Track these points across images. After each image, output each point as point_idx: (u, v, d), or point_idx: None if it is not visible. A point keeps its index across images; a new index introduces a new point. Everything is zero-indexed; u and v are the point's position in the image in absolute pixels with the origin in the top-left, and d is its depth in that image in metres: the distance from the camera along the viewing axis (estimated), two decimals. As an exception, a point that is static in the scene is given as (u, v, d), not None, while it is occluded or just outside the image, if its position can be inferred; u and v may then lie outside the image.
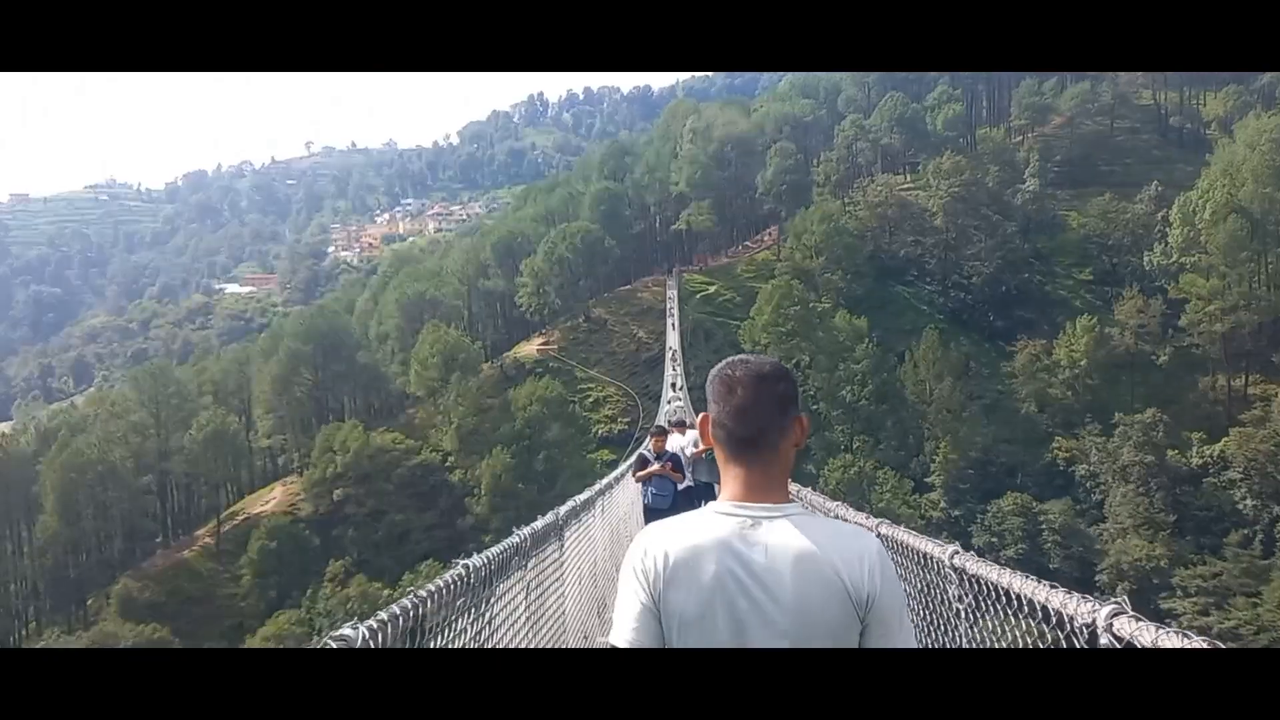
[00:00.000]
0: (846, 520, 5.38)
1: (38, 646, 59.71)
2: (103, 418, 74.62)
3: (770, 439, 2.27)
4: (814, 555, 2.11)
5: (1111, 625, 2.73)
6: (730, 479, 2.27)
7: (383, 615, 2.94)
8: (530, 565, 6.08)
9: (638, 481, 12.14)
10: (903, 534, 5.24)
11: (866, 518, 6.14)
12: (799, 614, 2.07)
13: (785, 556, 2.11)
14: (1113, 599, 2.86)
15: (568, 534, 8.43)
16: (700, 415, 2.42)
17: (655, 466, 11.68)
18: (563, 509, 8.25)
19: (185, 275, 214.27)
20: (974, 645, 4.35)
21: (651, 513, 11.80)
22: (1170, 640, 2.44)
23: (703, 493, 11.88)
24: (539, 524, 6.67)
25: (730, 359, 2.40)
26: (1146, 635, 2.55)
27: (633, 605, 2.18)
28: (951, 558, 4.41)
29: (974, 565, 4.15)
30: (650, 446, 12.38)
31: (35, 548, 69.52)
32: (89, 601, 67.46)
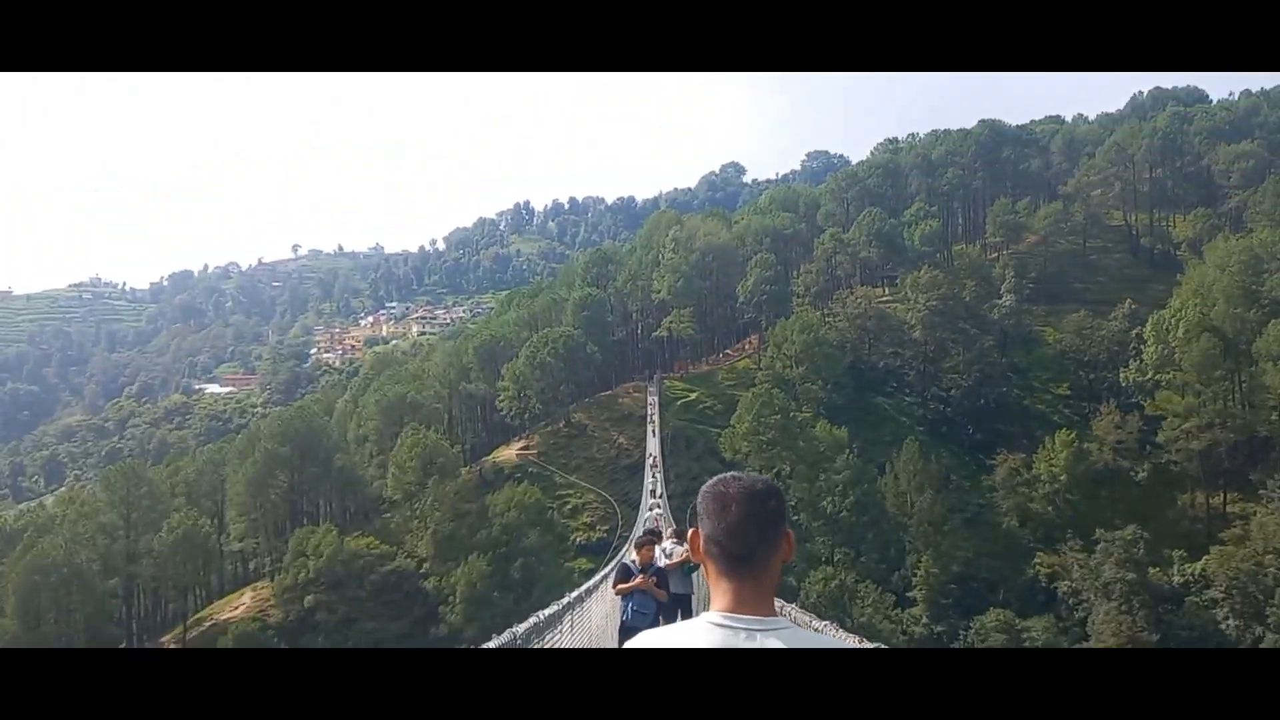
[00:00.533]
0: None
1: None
2: (71, 518, 73.22)
3: (762, 555, 2.40)
4: None
5: None
6: (721, 592, 2.37)
7: None
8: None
9: (617, 594, 11.22)
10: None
11: (858, 641, 6.09)
12: None
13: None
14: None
15: (559, 628, 9.11)
16: (690, 530, 2.51)
17: (638, 579, 10.83)
18: (520, 627, 7.90)
19: (165, 374, 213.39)
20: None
21: (628, 632, 10.64)
22: None
23: (677, 608, 11.39)
24: (529, 622, 6.96)
25: (722, 476, 2.51)
26: None
27: None
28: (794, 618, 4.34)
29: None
30: (635, 557, 11.65)
31: (-8, 652, 67.33)
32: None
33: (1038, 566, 72.32)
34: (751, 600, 2.37)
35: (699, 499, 2.52)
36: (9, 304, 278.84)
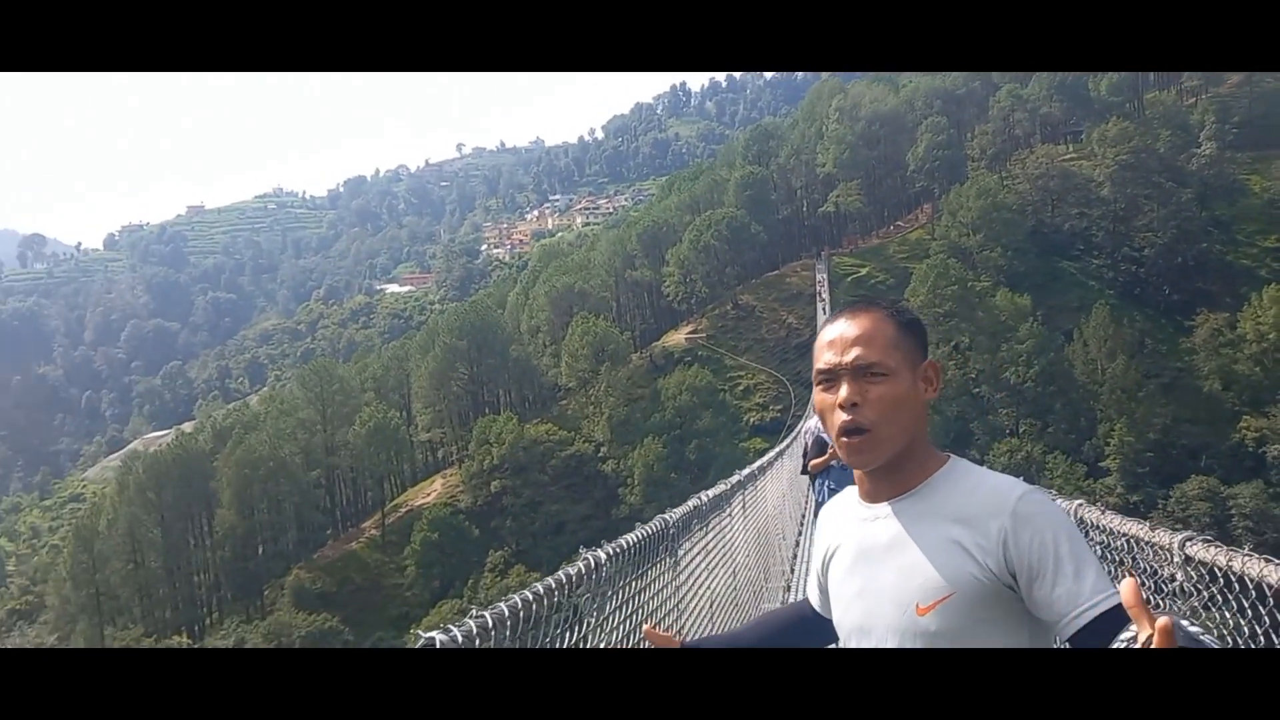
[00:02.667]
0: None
1: (219, 637, 62.94)
2: (273, 415, 78.02)
3: None
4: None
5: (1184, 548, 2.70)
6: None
7: (502, 607, 2.50)
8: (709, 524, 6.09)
9: (812, 474, 9.21)
10: (1109, 517, 4.39)
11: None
12: None
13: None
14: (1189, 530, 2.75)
15: (734, 504, 8.21)
16: (927, 362, 2.01)
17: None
18: (732, 478, 8.12)
19: (348, 277, 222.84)
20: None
21: None
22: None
23: None
24: (713, 491, 6.49)
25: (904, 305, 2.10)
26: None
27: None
28: (1182, 546, 3.48)
29: (1219, 555, 3.25)
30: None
31: (215, 540, 73.23)
32: (265, 592, 70.64)
33: (1244, 431, 67.73)
34: None
35: (919, 322, 2.04)
36: (202, 217, 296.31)
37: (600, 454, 76.43)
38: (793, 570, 12.90)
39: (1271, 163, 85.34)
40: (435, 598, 65.77)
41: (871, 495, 1.97)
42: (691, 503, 6.72)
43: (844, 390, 1.91)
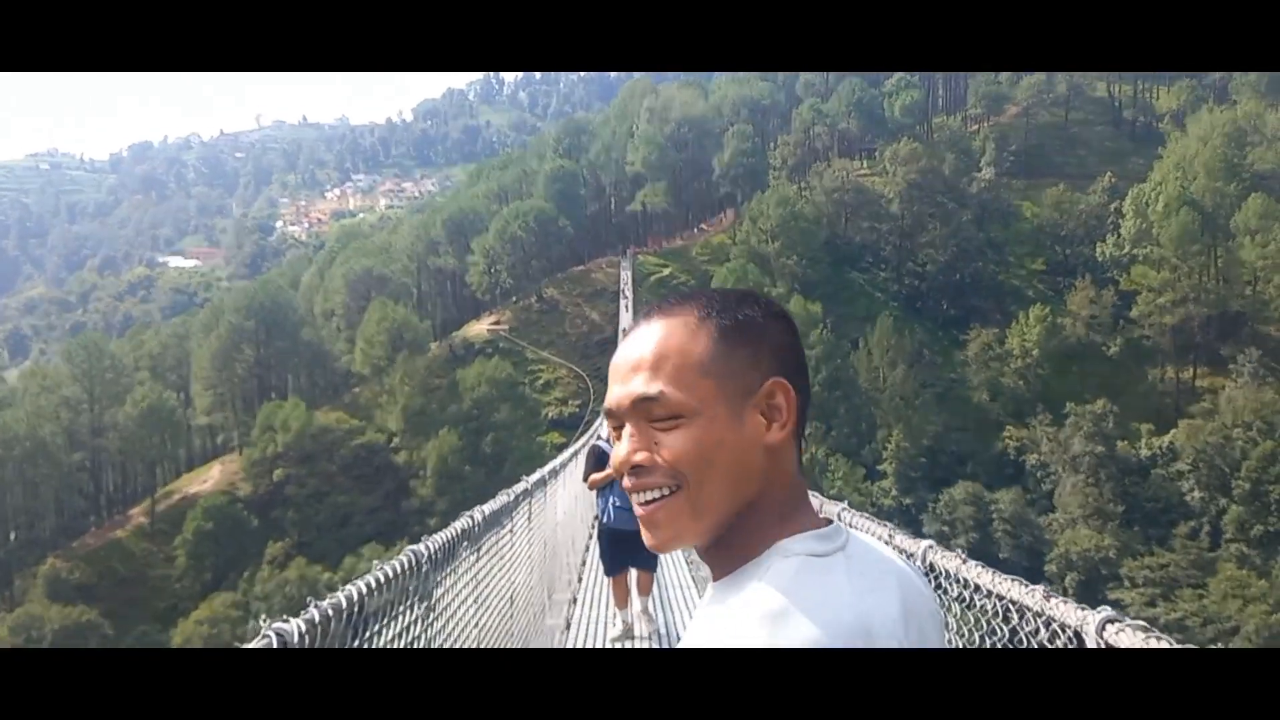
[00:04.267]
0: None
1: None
2: (33, 392, 71.78)
3: None
4: (920, 584, 1.36)
5: (1103, 633, 2.66)
6: (799, 494, 1.29)
7: (326, 605, 2.86)
8: (482, 548, 5.95)
9: (592, 489, 8.34)
10: (865, 520, 4.75)
11: (845, 508, 5.33)
12: None
13: (925, 607, 1.33)
14: (1103, 607, 2.80)
15: (517, 516, 7.87)
16: (780, 381, 1.26)
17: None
18: (517, 488, 7.84)
19: (128, 247, 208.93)
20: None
21: (612, 536, 8.47)
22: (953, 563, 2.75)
23: None
24: (489, 507, 6.36)
25: (752, 291, 1.36)
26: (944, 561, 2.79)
27: None
28: (924, 553, 4.02)
29: (955, 564, 3.76)
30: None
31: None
32: (16, 582, 64.91)
33: (1007, 440, 72.83)
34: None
35: (775, 325, 1.30)
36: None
37: (393, 444, 74.43)
38: (580, 580, 12.54)
39: (1043, 190, 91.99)
40: (207, 590, 62.32)
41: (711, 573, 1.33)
42: (487, 506, 6.58)
43: (624, 443, 1.26)
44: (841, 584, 1.20)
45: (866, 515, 4.57)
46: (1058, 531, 64.30)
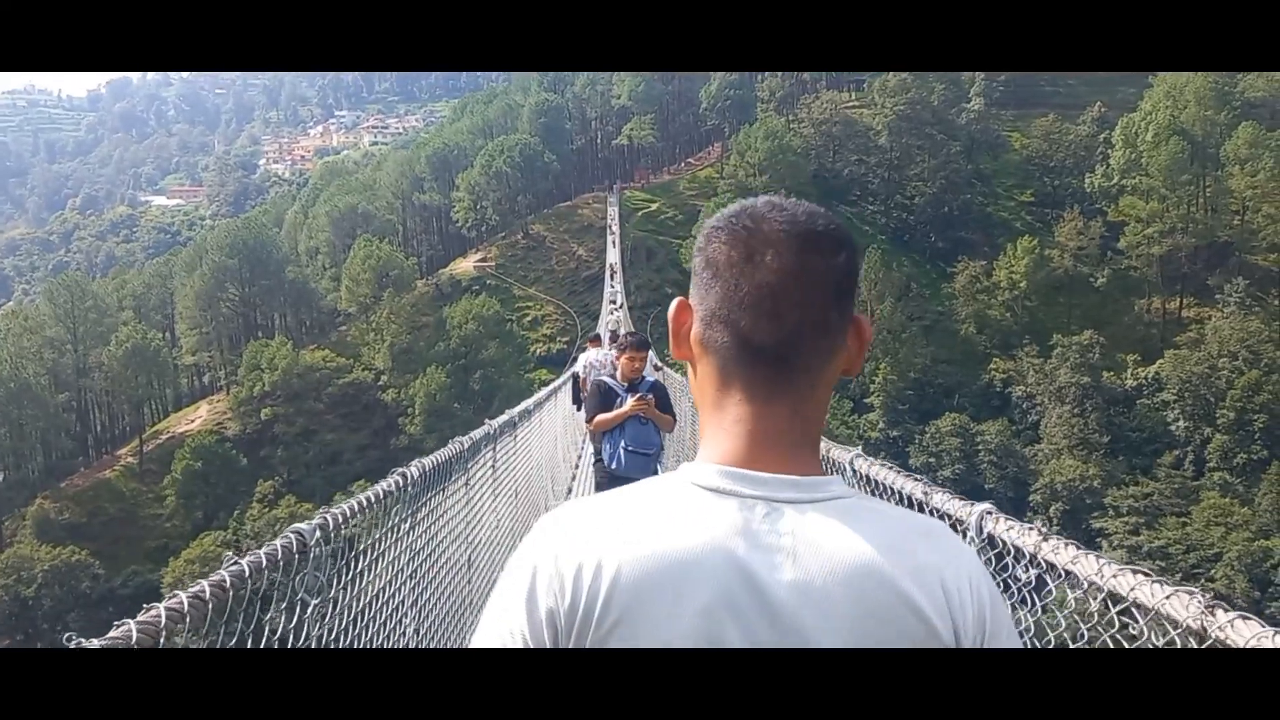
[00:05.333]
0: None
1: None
2: (15, 333, 71.12)
3: (814, 353, 1.24)
4: (880, 574, 1.15)
5: (982, 523, 3.11)
6: (728, 424, 1.24)
7: (329, 513, 3.20)
8: (470, 471, 6.28)
9: (599, 430, 7.03)
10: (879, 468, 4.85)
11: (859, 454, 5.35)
12: None
13: (831, 577, 1.15)
14: (988, 503, 3.20)
15: (500, 447, 8.10)
16: (676, 301, 1.30)
17: (629, 404, 6.78)
18: (500, 418, 8.23)
19: (109, 186, 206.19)
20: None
21: (618, 483, 5.08)
22: (1029, 538, 2.83)
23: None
24: (476, 433, 6.69)
25: (750, 201, 1.28)
26: (1012, 534, 2.93)
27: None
28: (852, 460, 4.77)
29: (871, 468, 4.48)
30: (616, 365, 7.75)
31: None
32: (4, 522, 64.96)
33: (993, 372, 73.08)
34: (787, 441, 1.23)
35: (699, 239, 1.29)
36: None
37: (380, 382, 74.26)
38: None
39: (1031, 121, 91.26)
40: (197, 529, 62.49)
41: None
42: (478, 432, 7.09)
43: None
44: (619, 512, 1.19)
45: (890, 466, 4.39)
46: (1043, 462, 64.83)
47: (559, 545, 1.18)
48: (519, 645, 1.16)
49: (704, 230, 1.29)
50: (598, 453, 7.17)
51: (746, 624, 1.13)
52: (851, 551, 1.16)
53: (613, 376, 7.34)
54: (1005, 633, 1.23)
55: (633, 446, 6.77)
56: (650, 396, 6.77)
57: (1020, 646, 1.32)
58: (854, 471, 4.69)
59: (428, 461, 5.23)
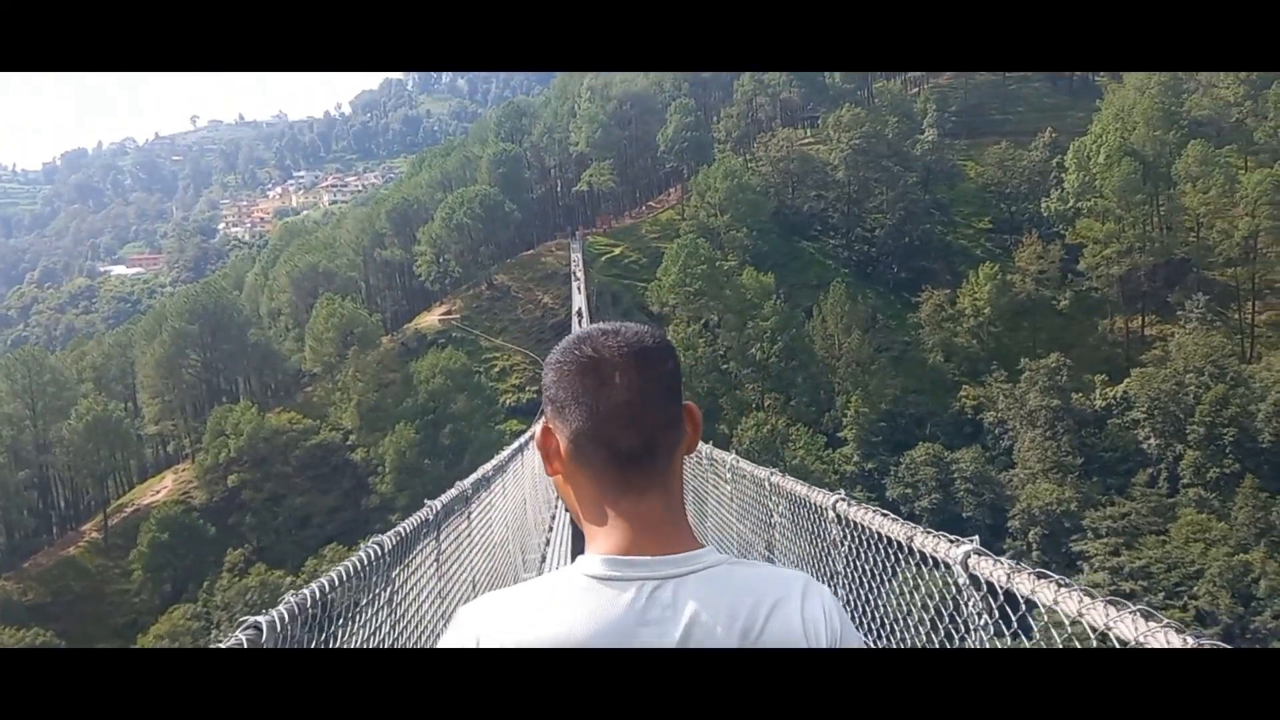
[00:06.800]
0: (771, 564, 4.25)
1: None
2: (-29, 411, 69.65)
3: (669, 447, 1.52)
4: (748, 620, 1.43)
5: (967, 562, 3.11)
6: (611, 520, 1.48)
7: (291, 601, 3.03)
8: (442, 536, 6.09)
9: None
10: (792, 484, 5.35)
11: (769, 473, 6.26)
12: None
13: (708, 630, 1.41)
14: (970, 539, 3.21)
15: (474, 507, 8.06)
16: (539, 427, 1.57)
17: None
18: (469, 479, 8.07)
19: (67, 258, 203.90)
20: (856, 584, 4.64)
21: None
22: (1021, 578, 2.77)
23: None
24: (447, 496, 6.59)
25: (584, 332, 1.53)
26: (999, 572, 2.92)
27: None
28: (834, 505, 4.76)
29: (854, 511, 4.47)
30: None
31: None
32: (-34, 607, 63.05)
33: (963, 399, 73.23)
34: (663, 524, 1.48)
35: (546, 373, 1.54)
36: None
37: (349, 442, 73.17)
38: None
39: (984, 149, 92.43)
40: (167, 602, 60.97)
41: None
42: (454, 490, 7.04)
43: None
44: (527, 602, 1.45)
45: (871, 507, 4.46)
46: (1019, 487, 64.75)
47: (476, 630, 1.42)
48: None
49: (551, 365, 1.52)
50: None
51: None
52: (724, 616, 1.41)
53: None
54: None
55: None
56: None
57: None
58: (836, 516, 4.84)
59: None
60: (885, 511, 4.21)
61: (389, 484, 67.12)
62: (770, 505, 6.63)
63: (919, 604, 4.06)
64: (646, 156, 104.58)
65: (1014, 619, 3.18)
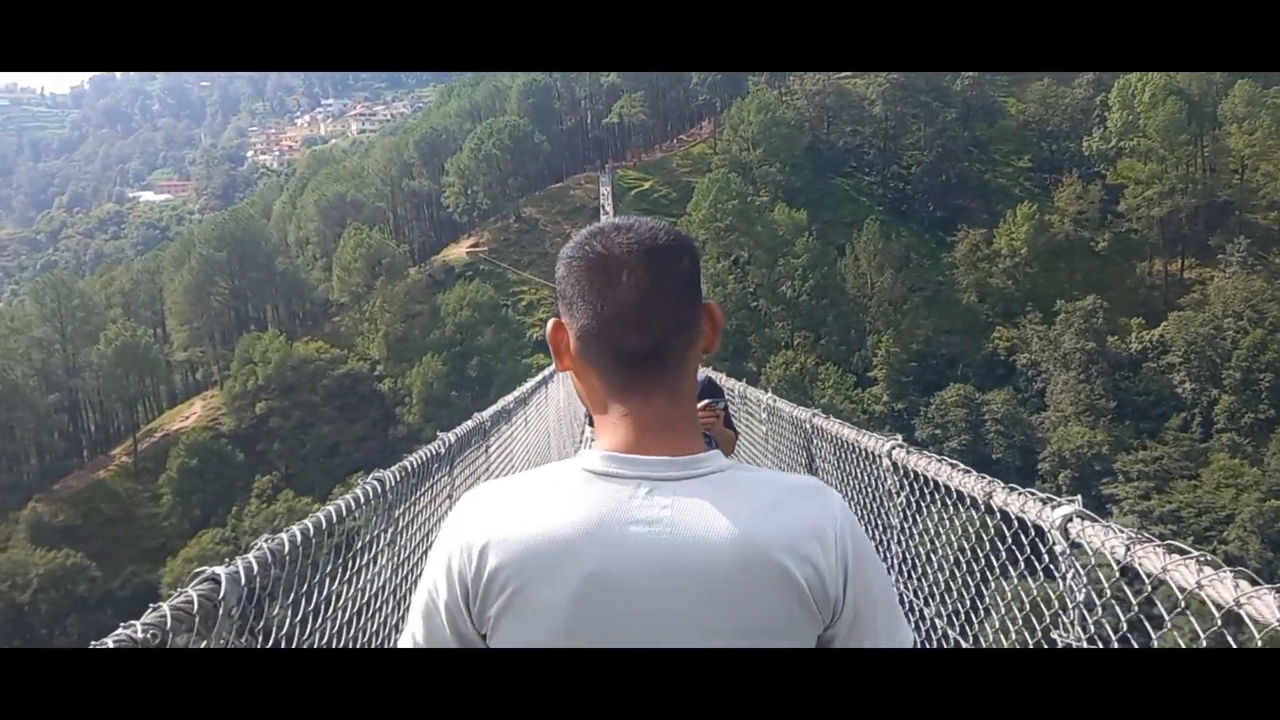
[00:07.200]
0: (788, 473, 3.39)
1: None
2: (1, 334, 70.03)
3: (679, 348, 1.46)
4: (749, 543, 1.35)
5: (1067, 528, 2.65)
6: (616, 419, 1.45)
7: (264, 548, 2.74)
8: (456, 471, 5.71)
9: None
10: (839, 427, 4.86)
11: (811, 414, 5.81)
12: (728, 643, 1.36)
13: (703, 547, 1.35)
14: (1068, 499, 2.74)
15: (493, 440, 7.59)
16: (551, 322, 1.53)
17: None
18: (488, 411, 7.62)
19: (96, 183, 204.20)
20: (911, 541, 4.30)
21: None
22: (1146, 551, 2.25)
23: None
24: (462, 429, 6.21)
25: (597, 227, 1.52)
26: (1098, 538, 2.48)
27: (436, 629, 1.45)
28: (890, 452, 4.31)
29: (913, 460, 4.05)
30: None
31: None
32: (-3, 528, 64.08)
33: (997, 340, 72.20)
34: (667, 426, 1.43)
35: (559, 266, 1.51)
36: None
37: (376, 372, 73.33)
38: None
39: (1027, 86, 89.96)
40: (195, 527, 61.75)
41: None
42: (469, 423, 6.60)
43: None
44: (523, 494, 1.41)
45: (936, 456, 3.97)
46: (1050, 430, 64.06)
47: (467, 527, 1.40)
48: (442, 614, 1.42)
49: (562, 259, 1.50)
50: None
51: (626, 589, 1.34)
52: (725, 519, 1.35)
53: None
54: (871, 569, 1.45)
55: None
56: (721, 405, 4.92)
57: (888, 584, 1.53)
58: (893, 465, 4.36)
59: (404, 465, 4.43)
60: (953, 461, 3.73)
61: (416, 414, 67.27)
62: (812, 449, 6.02)
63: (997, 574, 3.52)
64: (679, 89, 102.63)
65: (1134, 602, 2.47)
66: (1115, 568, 2.49)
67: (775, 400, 7.40)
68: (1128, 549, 2.33)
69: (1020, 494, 3.00)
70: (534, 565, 1.34)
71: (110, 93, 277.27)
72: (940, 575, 4.06)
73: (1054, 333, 68.04)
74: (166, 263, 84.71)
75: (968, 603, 3.84)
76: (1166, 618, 2.30)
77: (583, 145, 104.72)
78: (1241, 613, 1.91)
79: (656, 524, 1.35)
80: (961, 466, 3.68)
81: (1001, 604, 3.41)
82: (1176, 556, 2.19)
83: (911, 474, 4.07)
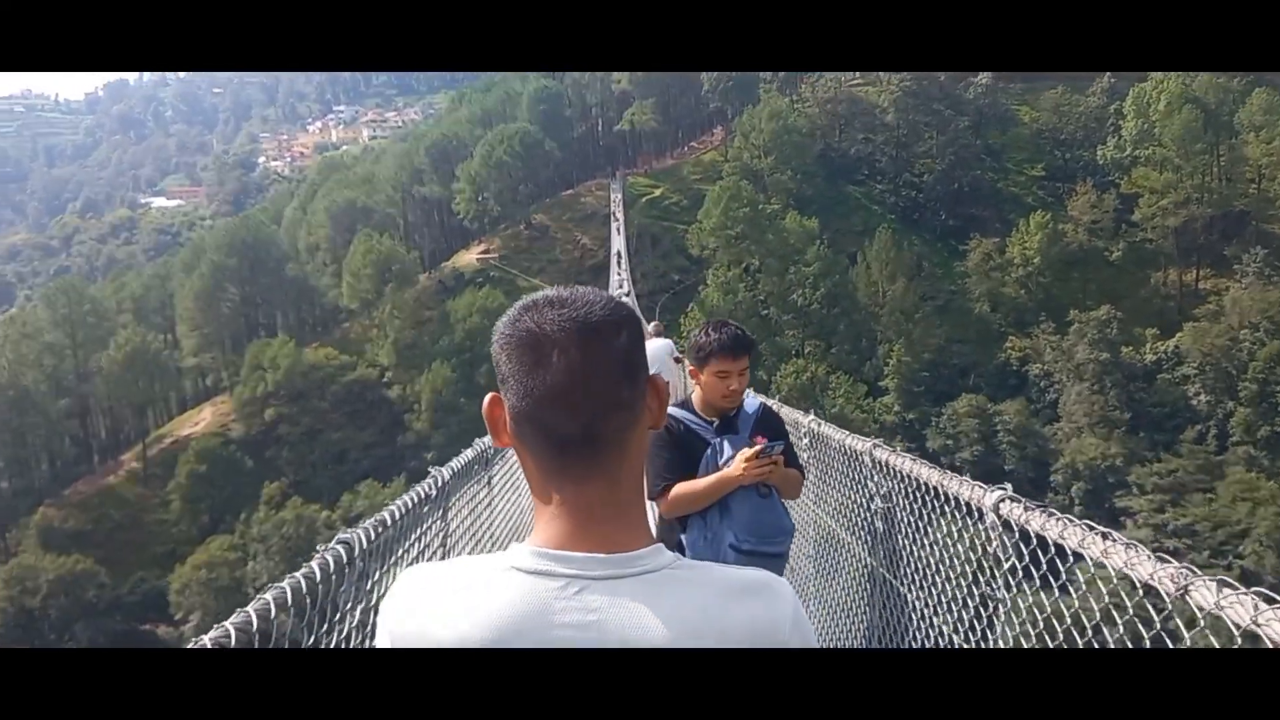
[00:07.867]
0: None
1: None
2: (13, 339, 70.09)
3: (616, 430, 1.33)
4: (681, 644, 1.26)
5: (999, 508, 3.10)
6: (553, 508, 1.33)
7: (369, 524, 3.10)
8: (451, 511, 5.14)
9: (671, 515, 3.97)
10: (910, 464, 4.63)
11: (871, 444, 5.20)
12: None
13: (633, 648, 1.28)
14: (1001, 486, 3.16)
15: (496, 466, 6.67)
16: (489, 396, 1.42)
17: (738, 463, 3.79)
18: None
19: (109, 189, 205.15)
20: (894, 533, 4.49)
21: None
22: (1051, 525, 2.77)
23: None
24: (457, 461, 5.45)
25: (530, 300, 1.39)
26: (1034, 520, 2.91)
27: None
28: (872, 450, 4.60)
29: (891, 458, 4.31)
30: (687, 384, 5.84)
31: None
32: (8, 533, 64.07)
33: (1009, 350, 71.63)
34: (601, 518, 1.31)
35: (495, 344, 1.38)
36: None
37: (385, 379, 73.15)
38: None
39: (1040, 94, 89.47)
40: (204, 533, 61.50)
41: None
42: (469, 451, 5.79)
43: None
44: (450, 586, 1.32)
45: (904, 454, 4.21)
46: (1063, 441, 63.45)
47: (400, 617, 1.32)
48: None
49: (496, 334, 1.39)
50: (678, 547, 3.90)
51: None
52: (658, 622, 1.25)
53: (684, 406, 4.14)
54: None
55: (749, 541, 3.82)
56: (778, 448, 3.80)
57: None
58: (872, 461, 4.68)
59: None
60: (918, 457, 4.00)
61: (425, 421, 67.07)
62: (871, 488, 4.94)
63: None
64: (690, 96, 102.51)
65: (1043, 563, 3.07)
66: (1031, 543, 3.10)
67: (820, 425, 6.32)
68: (1041, 524, 2.88)
69: (966, 482, 3.43)
70: None
71: (124, 99, 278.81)
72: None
73: (1067, 343, 67.46)
74: (177, 268, 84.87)
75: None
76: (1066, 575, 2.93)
77: (594, 152, 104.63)
78: (1224, 616, 2.01)
79: (583, 628, 1.24)
80: (920, 460, 3.71)
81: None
82: (1073, 528, 2.70)
83: (886, 468, 3.94)
